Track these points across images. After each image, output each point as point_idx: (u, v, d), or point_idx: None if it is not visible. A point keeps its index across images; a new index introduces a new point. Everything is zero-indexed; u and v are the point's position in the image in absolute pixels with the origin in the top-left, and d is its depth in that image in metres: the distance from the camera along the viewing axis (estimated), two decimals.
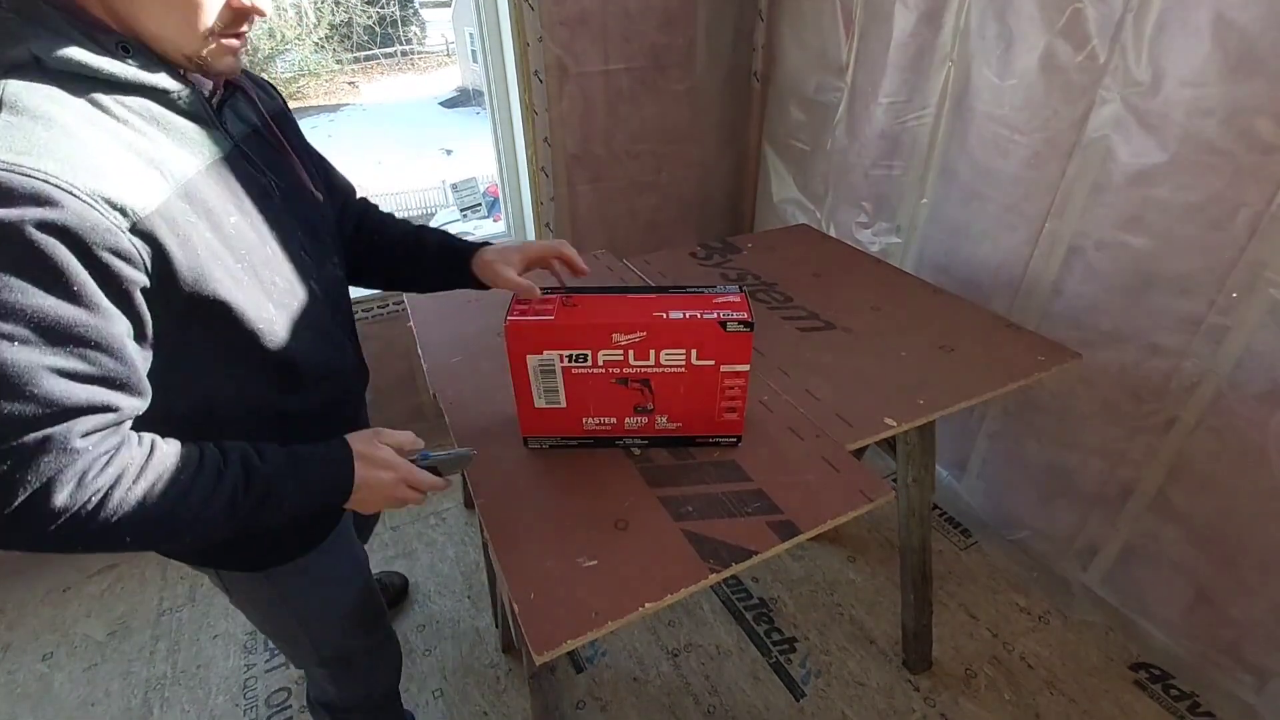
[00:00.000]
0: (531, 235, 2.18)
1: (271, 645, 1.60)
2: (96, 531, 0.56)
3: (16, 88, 0.51)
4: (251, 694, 1.50)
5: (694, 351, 0.86)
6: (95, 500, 0.56)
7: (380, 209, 1.02)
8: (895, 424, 1.03)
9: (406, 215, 1.19)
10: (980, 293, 1.65)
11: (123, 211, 0.54)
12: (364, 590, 1.03)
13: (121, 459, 0.58)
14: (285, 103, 0.84)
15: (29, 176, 0.49)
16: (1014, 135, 1.47)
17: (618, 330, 0.85)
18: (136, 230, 0.55)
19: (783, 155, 2.23)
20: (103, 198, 0.52)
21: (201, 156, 0.63)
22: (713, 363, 0.87)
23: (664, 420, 0.94)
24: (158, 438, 0.63)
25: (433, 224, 1.06)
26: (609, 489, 0.90)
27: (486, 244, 0.98)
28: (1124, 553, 1.51)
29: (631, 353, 0.86)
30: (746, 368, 0.88)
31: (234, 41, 0.63)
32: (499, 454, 0.97)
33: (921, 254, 1.81)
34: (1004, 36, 1.43)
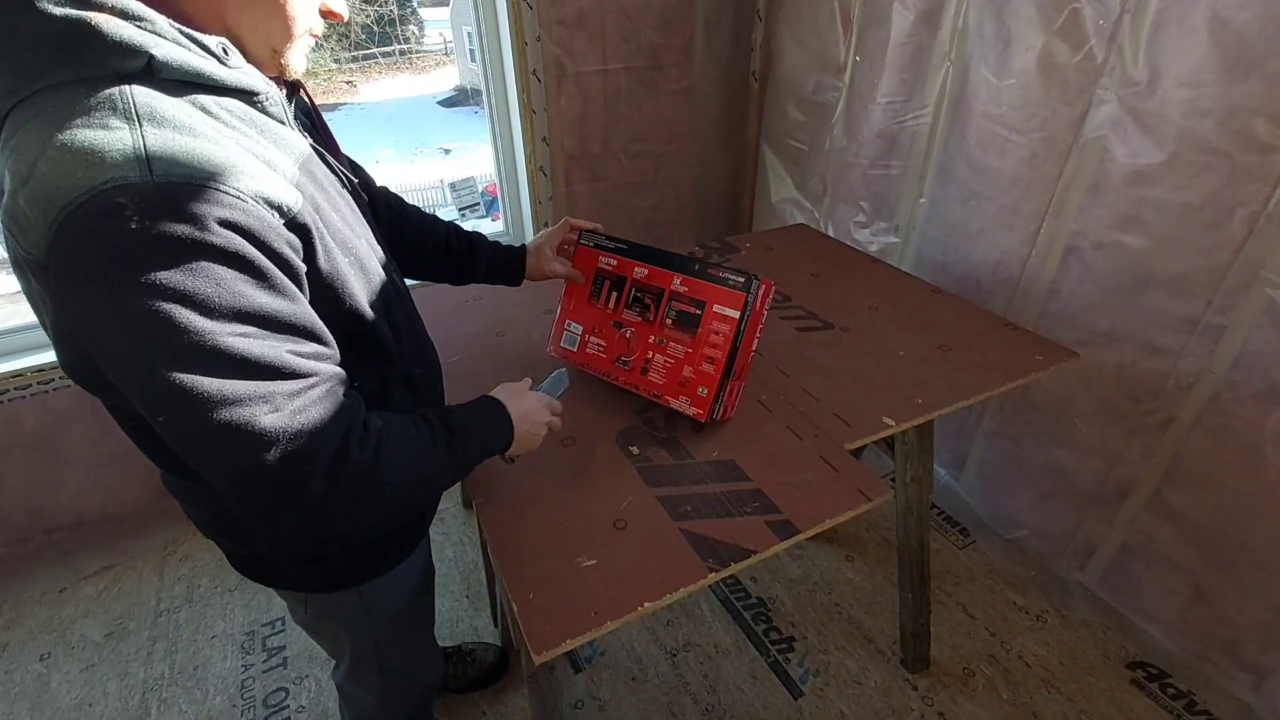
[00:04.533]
0: (530, 234, 2.18)
1: (270, 645, 1.60)
2: (375, 485, 0.61)
3: (144, 96, 0.50)
4: (249, 694, 1.50)
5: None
6: (371, 451, 0.61)
7: (404, 200, 1.04)
8: (893, 423, 1.03)
9: None
10: (978, 292, 1.65)
11: (279, 209, 0.55)
12: (432, 601, 1.04)
13: (372, 419, 0.64)
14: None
15: (203, 186, 0.49)
16: (1012, 135, 1.47)
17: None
18: (291, 225, 0.57)
19: (781, 155, 2.23)
20: (263, 198, 0.54)
21: (292, 156, 0.63)
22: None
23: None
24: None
25: None
26: (608, 489, 0.90)
27: (524, 247, 1.12)
28: (1121, 552, 1.51)
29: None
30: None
31: (312, 40, 0.67)
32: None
33: (919, 253, 1.81)
34: (1002, 36, 1.44)
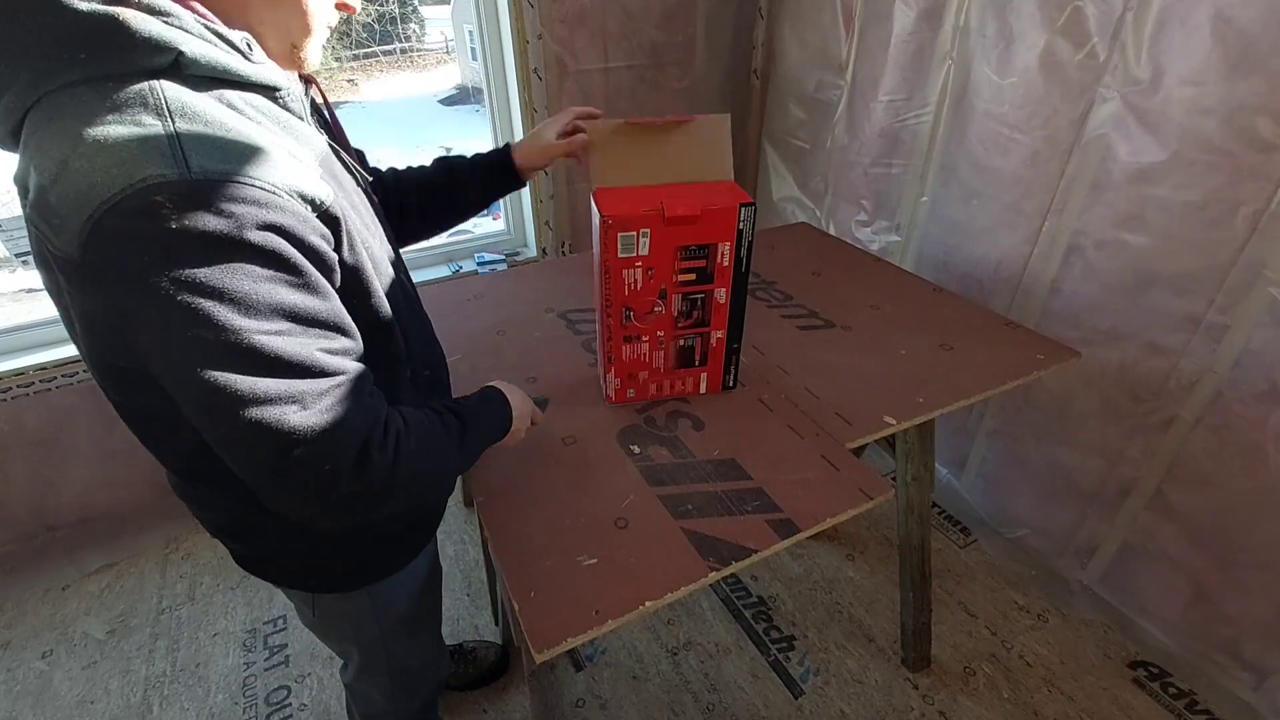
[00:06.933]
0: (531, 233, 2.18)
1: (272, 643, 1.60)
2: (395, 483, 0.61)
3: (174, 92, 0.50)
4: (251, 692, 1.50)
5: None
6: (391, 452, 0.61)
7: (397, 171, 1.06)
8: (895, 422, 1.03)
9: None
10: (980, 291, 1.65)
11: (311, 202, 0.56)
12: (439, 600, 1.06)
13: (393, 418, 0.64)
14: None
15: (238, 182, 0.49)
16: (1014, 133, 1.47)
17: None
18: (323, 217, 0.57)
19: (782, 153, 2.23)
20: (296, 192, 0.54)
21: (313, 153, 0.63)
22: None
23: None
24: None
25: None
26: (609, 487, 0.90)
27: (509, 144, 1.06)
28: (1122, 551, 1.51)
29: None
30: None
31: (327, 33, 0.67)
32: (499, 450, 0.97)
33: (921, 252, 1.81)
34: (1004, 34, 1.43)
